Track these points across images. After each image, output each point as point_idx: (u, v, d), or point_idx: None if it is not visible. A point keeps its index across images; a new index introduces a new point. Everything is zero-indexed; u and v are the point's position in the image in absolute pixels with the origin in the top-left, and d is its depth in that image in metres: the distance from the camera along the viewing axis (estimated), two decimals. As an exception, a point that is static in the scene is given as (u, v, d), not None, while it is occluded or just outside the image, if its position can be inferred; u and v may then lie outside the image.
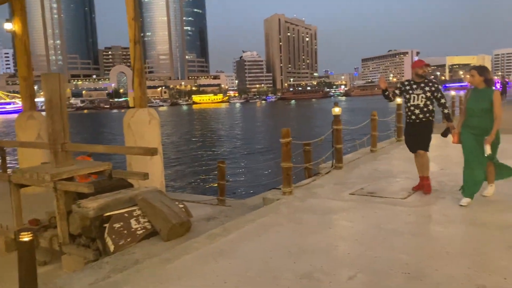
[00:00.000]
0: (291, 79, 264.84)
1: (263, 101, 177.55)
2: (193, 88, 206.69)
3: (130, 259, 4.66)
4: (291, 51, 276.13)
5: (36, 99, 9.98)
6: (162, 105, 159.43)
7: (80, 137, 42.42)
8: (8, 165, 8.43)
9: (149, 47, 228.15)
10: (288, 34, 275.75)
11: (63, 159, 5.83)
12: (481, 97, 5.18)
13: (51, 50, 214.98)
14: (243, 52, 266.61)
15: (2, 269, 5.18)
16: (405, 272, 3.43)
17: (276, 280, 3.46)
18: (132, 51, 7.85)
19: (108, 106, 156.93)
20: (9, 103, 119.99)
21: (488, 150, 5.02)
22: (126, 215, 5.34)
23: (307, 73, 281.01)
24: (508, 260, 3.57)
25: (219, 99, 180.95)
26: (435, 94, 5.88)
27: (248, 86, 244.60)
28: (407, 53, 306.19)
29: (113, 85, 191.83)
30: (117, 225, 5.17)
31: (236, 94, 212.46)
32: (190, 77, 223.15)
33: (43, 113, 6.76)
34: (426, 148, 5.98)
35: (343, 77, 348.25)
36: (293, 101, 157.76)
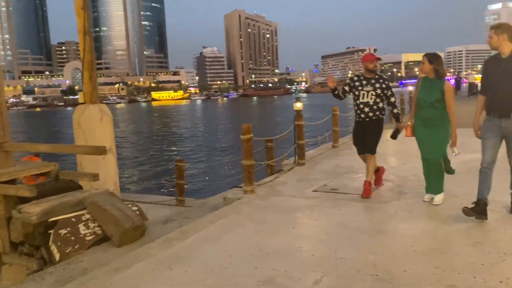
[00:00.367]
0: (253, 76, 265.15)
1: (225, 98, 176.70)
2: (152, 84, 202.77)
3: (77, 268, 4.26)
4: (252, 48, 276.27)
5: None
6: (120, 102, 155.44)
7: (28, 136, 40.42)
8: None
9: (105, 42, 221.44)
10: (249, 30, 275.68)
11: (2, 160, 5.30)
12: (433, 87, 4.79)
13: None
14: (204, 48, 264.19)
15: None
16: (373, 274, 3.26)
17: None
18: (81, 42, 7.32)
19: (62, 104, 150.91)
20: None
21: (456, 150, 4.72)
22: (73, 220, 4.91)
23: (268, 69, 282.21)
24: (475, 256, 3.48)
25: (179, 96, 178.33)
26: (386, 91, 5.49)
27: (209, 82, 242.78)
28: (365, 50, 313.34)
29: (67, 81, 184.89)
30: (63, 231, 4.74)
31: (197, 91, 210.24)
32: (148, 73, 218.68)
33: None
34: (373, 151, 5.58)
35: (303, 74, 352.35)
36: (255, 98, 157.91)
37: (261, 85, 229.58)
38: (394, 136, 5.63)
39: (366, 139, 5.56)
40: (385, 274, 3.24)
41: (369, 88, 5.44)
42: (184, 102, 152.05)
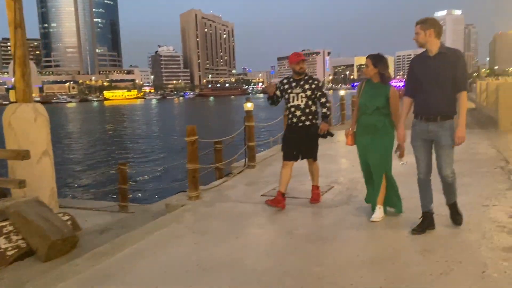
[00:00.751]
0: (210, 76, 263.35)
1: (181, 98, 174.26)
2: (105, 83, 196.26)
3: (-8, 289, 3.75)
4: (208, 48, 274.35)
5: None
6: (70, 101, 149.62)
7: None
8: None
9: (55, 39, 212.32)
10: (205, 30, 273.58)
11: None
12: (377, 92, 4.37)
13: None
14: (159, 46, 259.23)
15: None
16: (318, 288, 3.01)
17: (169, 310, 2.86)
18: (12, 37, 6.67)
19: (7, 103, 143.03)
20: None
21: (404, 160, 4.25)
22: (-9, 233, 4.36)
23: (225, 70, 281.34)
24: (424, 265, 3.32)
25: (134, 95, 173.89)
26: (316, 92, 5.09)
27: (164, 82, 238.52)
28: (319, 53, 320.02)
29: (13, 79, 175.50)
30: (-22, 247, 4.19)
31: (152, 90, 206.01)
32: (101, 72, 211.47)
33: None
34: (315, 156, 5.25)
35: (260, 74, 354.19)
36: (212, 98, 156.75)
37: (218, 85, 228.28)
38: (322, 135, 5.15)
39: (303, 147, 5.15)
40: (331, 288, 3.01)
41: (298, 90, 5.06)
42: (138, 101, 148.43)
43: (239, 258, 3.65)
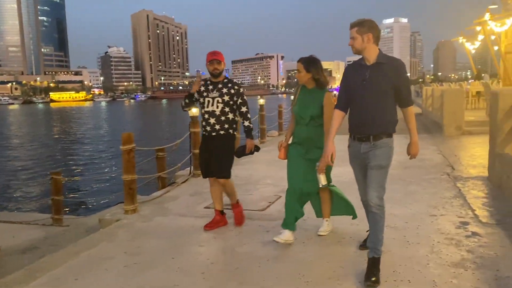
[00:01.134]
0: (162, 78, 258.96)
1: (132, 100, 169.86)
2: (51, 84, 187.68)
3: None
4: (161, 49, 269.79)
5: None
6: (13, 103, 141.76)
7: None
8: None
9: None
10: (158, 31, 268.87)
11: None
12: (311, 100, 3.86)
13: None
14: (109, 47, 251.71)
15: None
16: (257, 320, 2.69)
17: None
18: None
19: None
20: None
21: (323, 180, 3.62)
22: None
23: (178, 72, 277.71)
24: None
25: (82, 97, 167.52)
26: (235, 99, 4.45)
27: (115, 83, 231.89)
28: (273, 56, 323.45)
29: None
30: None
31: (102, 92, 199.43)
32: (47, 72, 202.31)
33: None
34: (226, 175, 4.44)
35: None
36: (164, 101, 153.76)
37: (171, 87, 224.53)
38: (238, 153, 4.51)
39: (211, 160, 4.41)
40: (272, 319, 2.69)
41: (215, 94, 4.41)
42: (87, 103, 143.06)
43: (172, 284, 3.26)
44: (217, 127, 4.40)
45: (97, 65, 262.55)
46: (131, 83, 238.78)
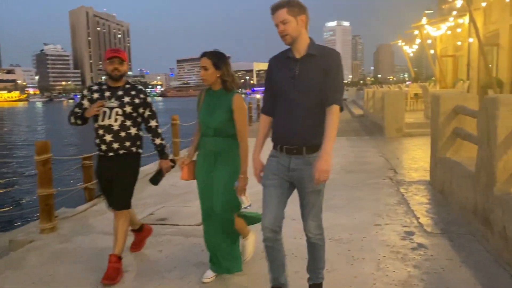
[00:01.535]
0: (103, 77, 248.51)
1: (71, 100, 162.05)
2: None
3: None
4: (102, 47, 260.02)
5: None
6: None
7: None
8: None
9: None
10: (98, 29, 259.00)
11: None
12: (218, 104, 3.18)
13: None
14: (45, 45, 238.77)
15: None
16: None
17: None
18: None
19: None
20: None
21: (245, 201, 3.11)
22: None
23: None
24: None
25: (15, 97, 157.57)
26: (141, 110, 3.56)
27: (52, 83, 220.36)
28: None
29: None
30: None
31: (37, 92, 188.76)
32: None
33: None
34: (125, 205, 3.53)
35: (159, 77, 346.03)
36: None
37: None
38: (154, 180, 3.75)
39: (111, 186, 3.51)
40: None
41: (113, 103, 3.43)
42: (20, 104, 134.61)
43: (83, 326, 2.74)
44: (115, 145, 3.42)
45: (32, 63, 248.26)
46: (69, 82, 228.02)
